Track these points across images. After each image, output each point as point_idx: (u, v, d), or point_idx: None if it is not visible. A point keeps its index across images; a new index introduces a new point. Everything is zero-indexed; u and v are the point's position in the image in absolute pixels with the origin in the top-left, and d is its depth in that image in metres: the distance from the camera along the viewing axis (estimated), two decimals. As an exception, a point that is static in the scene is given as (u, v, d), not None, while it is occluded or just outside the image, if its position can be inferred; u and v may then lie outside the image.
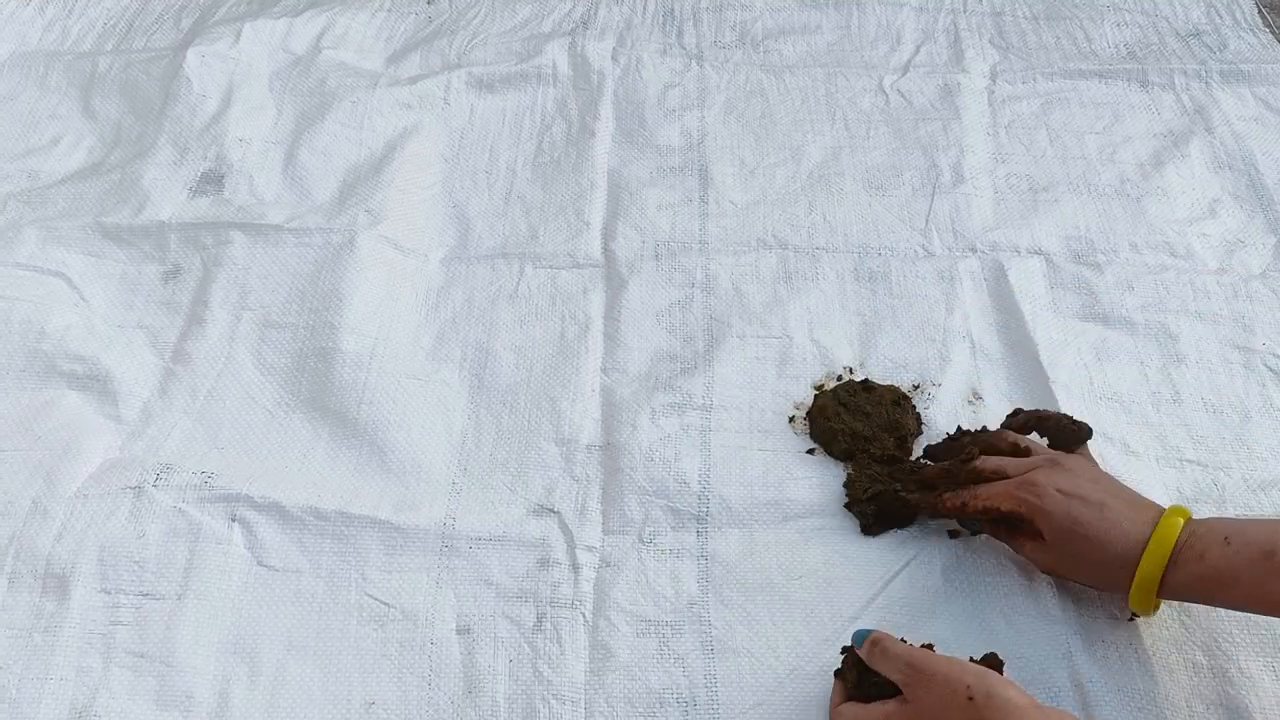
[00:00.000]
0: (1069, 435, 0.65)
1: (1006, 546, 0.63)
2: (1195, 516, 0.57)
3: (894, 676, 0.53)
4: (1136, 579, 0.55)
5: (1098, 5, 1.08)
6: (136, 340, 0.78)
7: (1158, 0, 1.09)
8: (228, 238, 0.83)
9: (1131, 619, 0.61)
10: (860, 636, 0.56)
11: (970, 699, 0.49)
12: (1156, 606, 0.57)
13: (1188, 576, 0.54)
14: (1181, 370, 0.75)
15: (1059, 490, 0.58)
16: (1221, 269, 0.82)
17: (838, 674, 0.58)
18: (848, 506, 0.67)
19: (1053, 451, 0.64)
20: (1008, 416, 0.69)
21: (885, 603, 0.63)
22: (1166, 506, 0.57)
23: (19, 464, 0.70)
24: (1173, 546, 0.54)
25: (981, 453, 0.65)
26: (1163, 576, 0.54)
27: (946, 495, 0.63)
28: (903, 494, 0.66)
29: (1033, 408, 0.69)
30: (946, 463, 0.66)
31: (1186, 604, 0.62)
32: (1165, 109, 0.96)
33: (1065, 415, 0.66)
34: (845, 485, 0.68)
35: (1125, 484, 0.60)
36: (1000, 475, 0.62)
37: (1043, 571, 0.62)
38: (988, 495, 0.61)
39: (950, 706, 0.49)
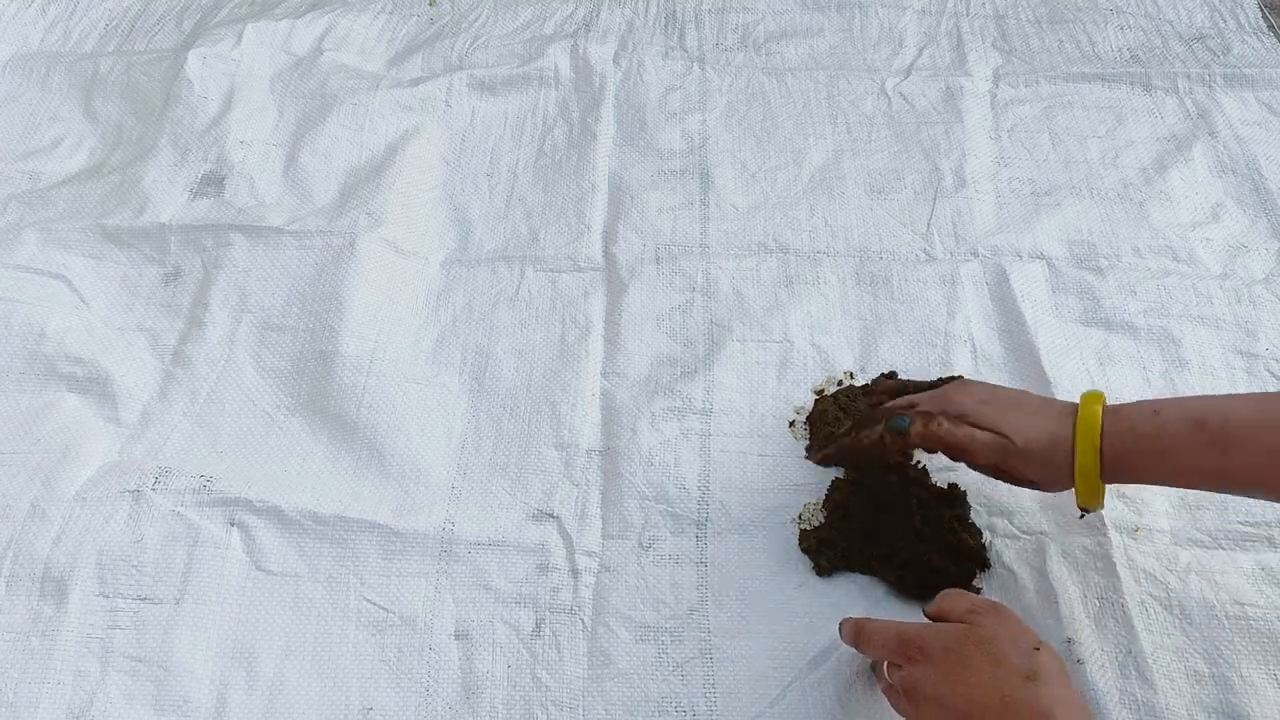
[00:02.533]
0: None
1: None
2: (1194, 532, 0.57)
3: (961, 606, 0.53)
4: (1077, 467, 0.55)
5: (1101, 8, 1.08)
6: (136, 343, 0.78)
7: (1161, 4, 1.08)
8: (228, 240, 0.83)
9: (1082, 516, 0.61)
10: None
11: (1037, 649, 0.49)
12: (1103, 493, 0.57)
13: (1121, 450, 0.55)
14: (1184, 375, 0.75)
15: (977, 400, 0.60)
16: (1224, 274, 0.82)
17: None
18: (803, 549, 0.66)
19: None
20: (877, 378, 0.73)
21: (887, 609, 0.63)
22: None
23: (18, 466, 0.70)
24: (1099, 424, 0.55)
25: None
26: (1101, 455, 0.55)
27: (865, 432, 0.64)
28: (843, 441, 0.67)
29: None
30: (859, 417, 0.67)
31: (1186, 611, 0.61)
32: (1168, 113, 0.96)
33: (932, 381, 0.68)
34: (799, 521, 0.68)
35: None
36: (909, 404, 0.64)
37: (990, 469, 0.61)
38: (907, 403, 0.63)
39: (1013, 645, 0.49)
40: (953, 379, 0.68)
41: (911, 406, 0.62)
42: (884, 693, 0.55)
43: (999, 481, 0.68)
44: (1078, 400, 0.58)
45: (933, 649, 0.51)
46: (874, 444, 0.63)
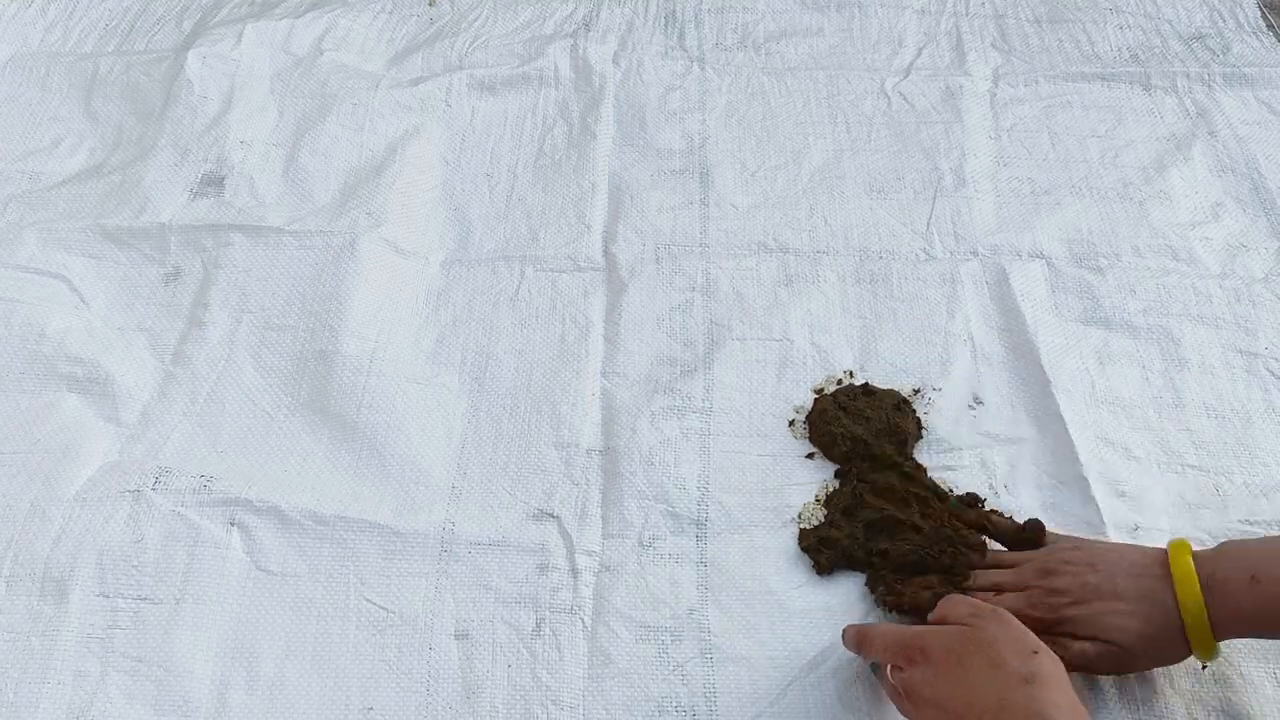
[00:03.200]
0: (1024, 541, 0.63)
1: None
2: (1194, 531, 0.56)
3: (962, 611, 0.53)
4: (1191, 639, 0.54)
5: (1100, 8, 1.08)
6: (136, 343, 0.78)
7: (1160, 3, 1.08)
8: (228, 240, 0.83)
9: (1205, 668, 0.59)
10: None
11: (1036, 653, 0.49)
12: (1218, 646, 0.55)
13: (1231, 618, 0.53)
14: (1184, 375, 0.75)
15: (1071, 601, 0.56)
16: (1224, 273, 0.82)
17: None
18: (802, 547, 0.66)
19: (1031, 554, 0.61)
20: (959, 500, 0.66)
21: (885, 613, 0.63)
22: (1165, 546, 0.56)
23: (18, 467, 0.70)
24: (1200, 594, 0.53)
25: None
26: (1211, 623, 0.53)
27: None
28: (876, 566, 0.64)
29: (982, 509, 0.66)
30: (937, 580, 0.61)
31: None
32: (1168, 112, 0.96)
33: (1011, 523, 0.64)
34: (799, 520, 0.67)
35: (1103, 541, 0.61)
36: (996, 590, 0.59)
37: (1106, 674, 0.58)
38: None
39: (1012, 648, 0.49)
40: (1032, 531, 0.63)
41: (999, 590, 0.59)
42: (888, 695, 0.55)
43: (998, 482, 0.69)
44: (1164, 546, 0.56)
45: (933, 650, 0.51)
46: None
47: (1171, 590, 0.54)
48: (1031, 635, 0.51)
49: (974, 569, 0.62)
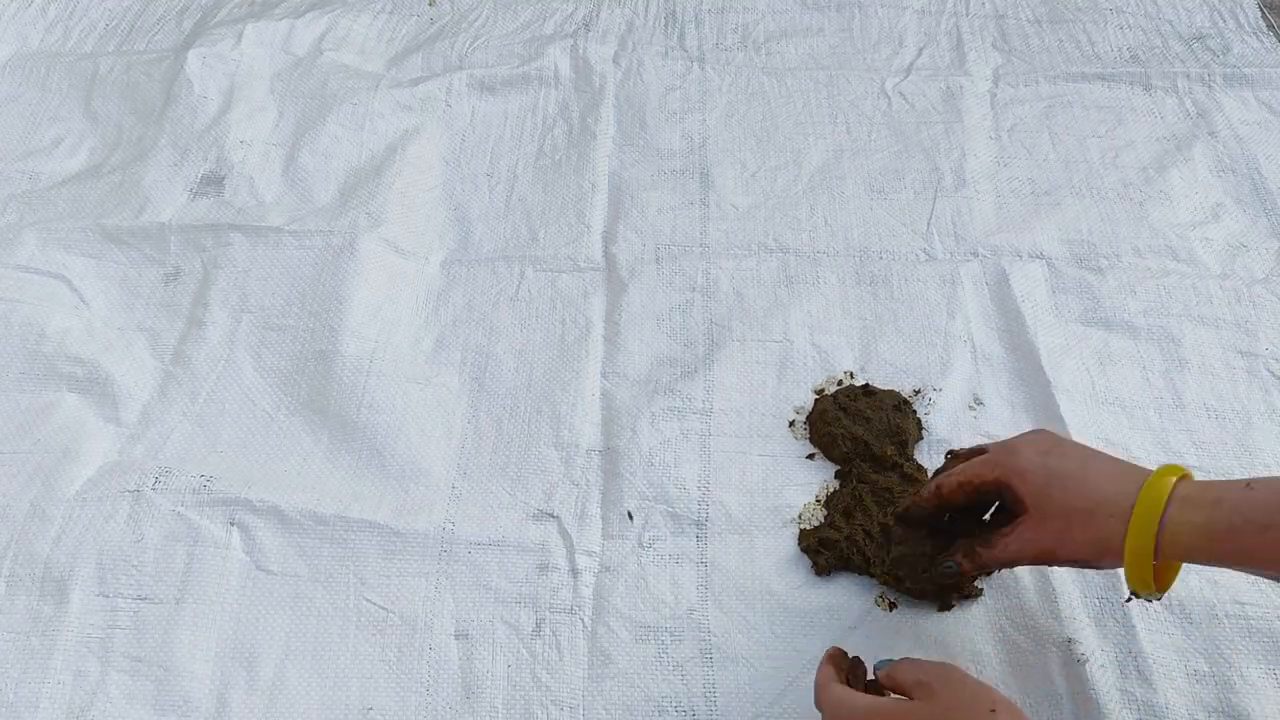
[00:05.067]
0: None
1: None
2: None
3: (909, 677, 0.51)
4: (1131, 526, 0.48)
5: (1100, 8, 1.08)
6: (136, 343, 0.78)
7: (1160, 3, 1.08)
8: (228, 240, 0.83)
9: (1129, 599, 0.58)
10: (882, 665, 0.54)
11: (993, 711, 0.47)
12: (1163, 585, 0.50)
13: (1199, 523, 0.47)
14: (1184, 375, 0.75)
15: (1036, 449, 0.54)
16: (1224, 273, 0.82)
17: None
18: (802, 548, 0.66)
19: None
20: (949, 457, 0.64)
21: (884, 612, 0.63)
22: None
23: (18, 466, 0.70)
24: (1169, 491, 0.48)
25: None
26: (1161, 528, 0.48)
27: (916, 494, 0.59)
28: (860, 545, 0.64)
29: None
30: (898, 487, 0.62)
31: (1187, 610, 0.61)
32: (1168, 112, 0.96)
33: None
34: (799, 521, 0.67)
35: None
36: (978, 451, 0.58)
37: (1032, 562, 0.55)
38: (960, 471, 0.56)
39: (971, 713, 0.47)
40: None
41: (977, 454, 0.57)
42: None
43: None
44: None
45: None
46: (920, 507, 0.59)
47: (1139, 483, 0.50)
48: (985, 691, 0.48)
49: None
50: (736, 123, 0.96)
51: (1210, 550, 0.48)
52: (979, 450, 0.59)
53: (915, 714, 0.48)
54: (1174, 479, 0.49)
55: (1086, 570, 0.61)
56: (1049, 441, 0.55)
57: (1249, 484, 0.48)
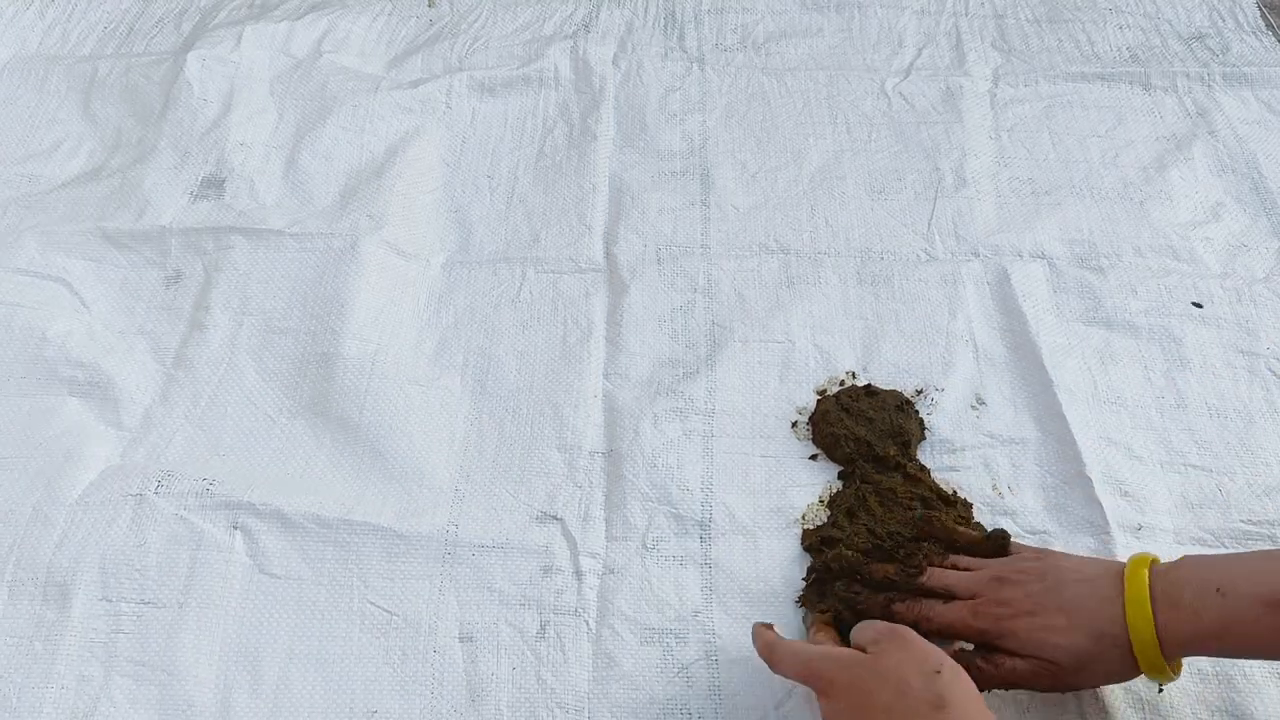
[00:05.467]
0: (989, 553, 0.61)
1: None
2: (1196, 531, 0.54)
3: (866, 636, 0.52)
4: (1138, 656, 0.51)
5: (1100, 8, 1.08)
6: (137, 346, 0.78)
7: (1160, 3, 1.08)
8: (229, 242, 0.83)
9: (1160, 690, 0.58)
10: None
11: (938, 672, 0.48)
12: (1178, 667, 0.53)
13: (1189, 635, 0.50)
14: (1185, 375, 0.75)
15: (1014, 613, 0.54)
16: (1225, 273, 0.82)
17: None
18: (805, 547, 0.66)
19: (989, 561, 0.59)
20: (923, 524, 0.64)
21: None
22: (1124, 561, 0.54)
23: (19, 471, 0.69)
24: (1150, 608, 0.51)
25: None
26: (1160, 639, 0.50)
27: (898, 605, 0.58)
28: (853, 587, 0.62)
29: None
30: (893, 568, 0.61)
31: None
32: (1168, 112, 0.96)
33: (979, 534, 0.62)
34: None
35: (1067, 554, 0.58)
36: (948, 594, 0.58)
37: (1046, 690, 0.56)
38: (942, 618, 0.57)
39: (915, 672, 0.48)
40: (995, 541, 0.61)
41: (950, 596, 0.58)
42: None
43: (1001, 482, 0.69)
44: (1124, 559, 0.54)
45: (838, 683, 0.50)
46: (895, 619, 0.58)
47: (1121, 605, 0.52)
48: (935, 653, 0.49)
49: (932, 566, 0.60)
50: (736, 123, 0.96)
51: (1203, 651, 0.51)
52: (955, 565, 0.60)
53: (865, 664, 0.50)
54: (1145, 590, 0.51)
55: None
56: (1021, 594, 0.55)
57: (1220, 591, 0.50)
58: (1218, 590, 0.50)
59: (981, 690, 0.52)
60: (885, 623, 0.53)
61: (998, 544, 0.61)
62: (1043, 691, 0.56)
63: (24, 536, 0.66)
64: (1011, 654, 0.54)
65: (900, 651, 0.50)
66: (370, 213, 0.85)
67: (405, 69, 1.01)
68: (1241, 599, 0.49)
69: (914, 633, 0.51)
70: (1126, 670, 0.53)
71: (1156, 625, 0.50)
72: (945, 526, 0.63)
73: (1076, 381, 0.74)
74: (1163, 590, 0.51)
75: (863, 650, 0.51)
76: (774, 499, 0.68)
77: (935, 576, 0.59)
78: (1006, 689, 0.56)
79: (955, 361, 0.76)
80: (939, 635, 0.56)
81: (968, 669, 0.52)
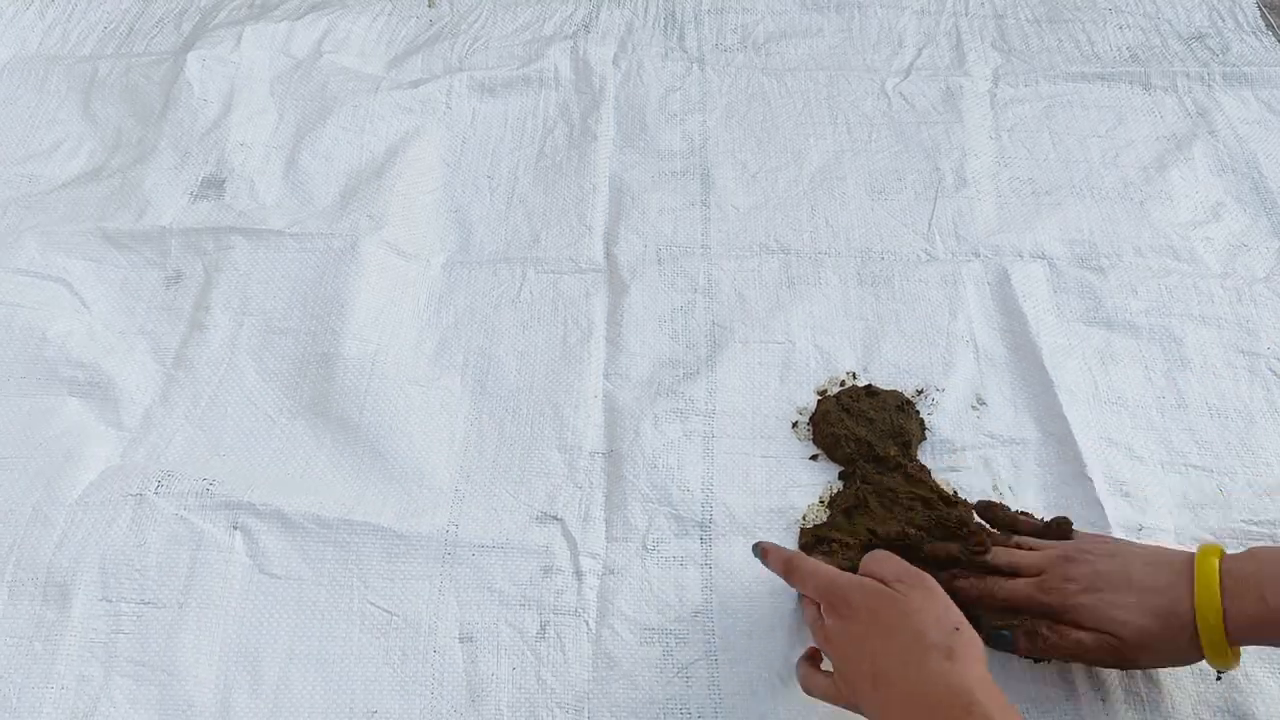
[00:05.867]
0: (1051, 536, 0.61)
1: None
2: (1197, 531, 0.56)
3: (887, 569, 0.53)
4: (1203, 639, 0.52)
5: (1100, 8, 1.08)
6: (138, 346, 0.78)
7: (1160, 3, 1.08)
8: (229, 243, 0.83)
9: (1219, 678, 0.58)
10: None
11: (958, 629, 0.49)
12: (1238, 655, 0.53)
13: (1255, 621, 0.51)
14: (1186, 375, 0.75)
15: (1081, 588, 0.55)
16: (1225, 273, 0.82)
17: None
18: (800, 546, 0.66)
19: (1054, 542, 0.60)
20: (981, 511, 0.65)
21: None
22: (1194, 551, 0.55)
23: (19, 471, 0.69)
24: (1219, 592, 0.51)
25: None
26: (1226, 624, 0.51)
27: (961, 581, 0.58)
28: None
29: (1012, 510, 0.64)
30: (956, 546, 0.61)
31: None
32: (1168, 112, 0.96)
33: (1040, 522, 0.63)
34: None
35: (1137, 542, 0.59)
36: (1013, 570, 0.58)
37: (1109, 667, 0.58)
38: (1008, 593, 0.57)
39: (934, 620, 0.50)
40: (1059, 527, 0.61)
41: (1014, 573, 0.58)
42: (806, 622, 0.56)
43: (1002, 482, 0.69)
44: (1195, 550, 0.54)
45: (858, 608, 0.52)
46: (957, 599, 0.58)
47: (1190, 589, 0.52)
48: (956, 611, 0.51)
49: (996, 545, 0.60)
50: (737, 123, 0.96)
51: (1268, 637, 0.52)
52: (1017, 529, 0.61)
53: (890, 597, 0.51)
54: (1215, 575, 0.52)
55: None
56: (1088, 572, 0.56)
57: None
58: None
59: (1044, 658, 0.56)
60: (907, 563, 0.54)
61: (1062, 530, 0.62)
62: (1105, 667, 0.58)
63: (24, 536, 0.66)
64: (1078, 627, 0.55)
65: (925, 599, 0.51)
66: (370, 213, 0.85)
67: (405, 69, 1.01)
68: None
69: (938, 584, 0.52)
70: (1190, 653, 0.53)
71: (1224, 609, 0.51)
72: (1007, 513, 0.64)
73: (1077, 382, 0.74)
74: (1232, 576, 0.52)
75: (881, 582, 0.53)
76: (774, 499, 0.68)
77: (1000, 554, 0.60)
78: (1069, 660, 0.57)
79: (956, 362, 0.76)
80: (1004, 610, 0.57)
81: (1033, 636, 0.55)
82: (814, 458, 0.71)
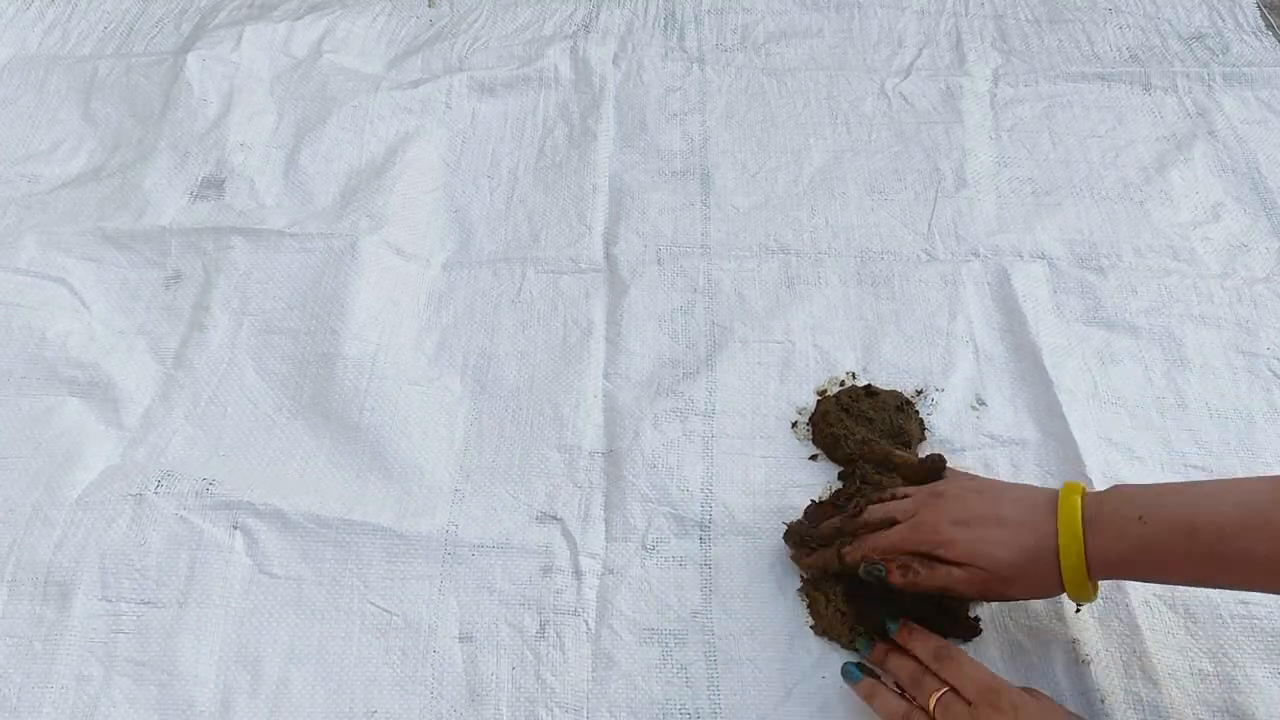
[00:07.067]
0: (925, 476, 0.64)
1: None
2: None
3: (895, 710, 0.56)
4: (1064, 575, 0.54)
5: (1100, 8, 1.08)
6: (137, 346, 0.78)
7: (1159, 3, 1.08)
8: (229, 243, 0.83)
9: (1078, 610, 0.61)
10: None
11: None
12: (1096, 589, 0.56)
13: (1113, 558, 0.53)
14: (1186, 375, 0.75)
15: (952, 522, 0.57)
16: (1225, 273, 0.82)
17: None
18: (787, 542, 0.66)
19: (926, 486, 0.62)
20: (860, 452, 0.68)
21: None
22: (1058, 488, 0.57)
23: (19, 471, 0.69)
24: (1081, 529, 0.53)
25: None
26: (1087, 560, 0.53)
27: (845, 548, 0.60)
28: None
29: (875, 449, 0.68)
30: (835, 520, 0.63)
31: (1191, 611, 0.62)
32: (1168, 112, 0.96)
33: (912, 459, 0.66)
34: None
35: (1004, 480, 0.61)
36: (889, 520, 0.60)
37: (977, 598, 0.60)
38: (884, 541, 0.59)
39: None
40: (932, 465, 0.65)
41: (891, 522, 0.60)
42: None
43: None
44: (1059, 487, 0.56)
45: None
46: (845, 565, 0.61)
47: (1054, 524, 0.54)
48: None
49: (873, 503, 0.62)
50: (737, 123, 0.96)
51: (1130, 575, 0.55)
52: (885, 497, 0.62)
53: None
54: (1077, 524, 0.54)
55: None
56: (959, 509, 0.58)
57: (1141, 519, 0.52)
58: (1140, 518, 0.52)
59: (917, 591, 0.57)
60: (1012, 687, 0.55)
61: (935, 468, 0.64)
62: (972, 599, 0.60)
63: (24, 536, 0.66)
64: (949, 563, 0.56)
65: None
66: (370, 213, 0.85)
67: (405, 69, 1.01)
68: (1161, 525, 0.52)
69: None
70: (1053, 587, 0.55)
71: (1085, 546, 0.53)
72: (881, 449, 0.67)
73: (1077, 382, 0.74)
74: (1092, 514, 0.54)
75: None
76: (774, 499, 0.68)
77: (875, 511, 0.61)
78: (940, 595, 0.59)
79: (955, 362, 0.76)
80: (885, 557, 0.58)
81: (905, 569, 0.57)
82: (813, 458, 0.71)
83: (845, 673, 0.58)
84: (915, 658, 0.57)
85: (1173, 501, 0.53)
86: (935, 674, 0.56)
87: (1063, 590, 0.55)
